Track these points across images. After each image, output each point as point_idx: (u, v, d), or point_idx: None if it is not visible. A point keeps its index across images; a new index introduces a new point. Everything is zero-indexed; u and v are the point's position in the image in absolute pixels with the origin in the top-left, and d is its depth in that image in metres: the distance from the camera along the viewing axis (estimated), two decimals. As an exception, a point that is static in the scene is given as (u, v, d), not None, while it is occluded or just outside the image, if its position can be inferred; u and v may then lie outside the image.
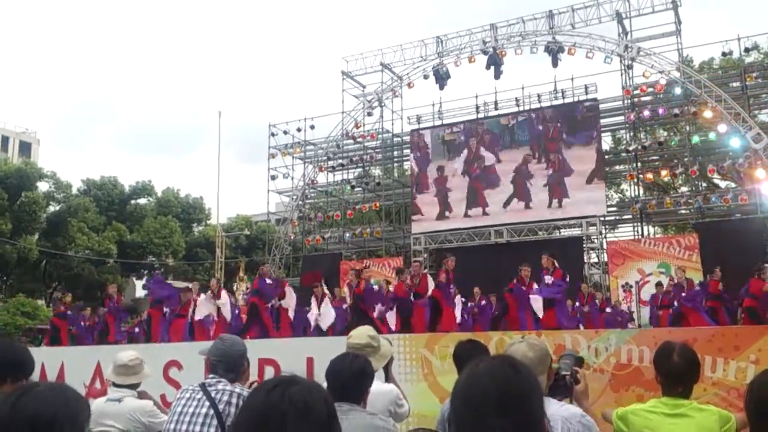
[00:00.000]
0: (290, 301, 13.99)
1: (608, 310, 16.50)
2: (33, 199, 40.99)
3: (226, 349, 3.42)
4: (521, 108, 25.17)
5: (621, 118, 25.13)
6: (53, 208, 44.46)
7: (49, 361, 9.30)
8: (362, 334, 4.06)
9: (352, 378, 3.12)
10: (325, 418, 1.48)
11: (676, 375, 3.21)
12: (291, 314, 13.73)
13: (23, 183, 41.01)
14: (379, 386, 3.74)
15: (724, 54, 23.69)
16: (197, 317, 13.15)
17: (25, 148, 66.21)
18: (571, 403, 3.00)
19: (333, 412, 1.53)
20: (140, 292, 50.76)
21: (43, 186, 44.11)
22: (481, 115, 25.87)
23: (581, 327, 12.65)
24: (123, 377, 4.78)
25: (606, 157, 25.15)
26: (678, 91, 22.86)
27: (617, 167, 27.20)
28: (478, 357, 3.94)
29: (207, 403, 3.18)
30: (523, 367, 1.66)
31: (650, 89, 23.45)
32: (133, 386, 4.80)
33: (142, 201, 50.53)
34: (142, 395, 4.84)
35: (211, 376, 3.36)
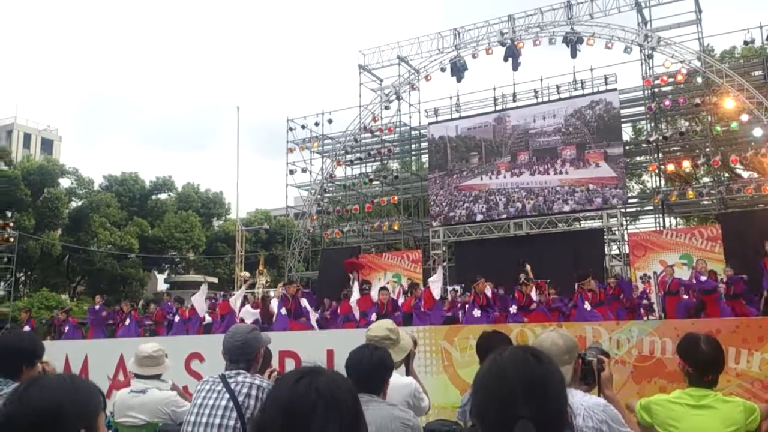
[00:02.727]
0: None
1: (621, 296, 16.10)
2: (55, 195, 41.55)
3: (227, 339, 3.45)
4: (540, 100, 24.97)
5: (641, 109, 24.85)
6: (75, 203, 45.05)
7: (72, 353, 9.43)
8: (380, 326, 4.07)
9: (371, 369, 3.13)
10: (352, 408, 1.49)
11: (706, 364, 3.22)
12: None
13: (45, 179, 41.58)
14: (397, 378, 3.74)
15: (745, 42, 23.28)
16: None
17: (47, 145, 67.02)
18: (598, 391, 3.01)
19: (359, 403, 1.53)
20: (162, 286, 51.38)
21: (65, 182, 44.76)
22: (499, 108, 25.71)
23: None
24: (147, 368, 4.84)
25: (627, 147, 24.90)
26: (699, 80, 22.56)
27: (638, 158, 26.90)
28: (500, 347, 3.95)
29: (227, 396, 3.19)
30: (545, 357, 1.64)
31: (671, 79, 23.15)
32: (156, 377, 4.86)
33: (163, 196, 51.02)
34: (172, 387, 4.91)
35: (231, 367, 3.38)
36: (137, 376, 4.88)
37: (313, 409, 1.42)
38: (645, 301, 16.76)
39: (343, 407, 1.45)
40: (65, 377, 1.66)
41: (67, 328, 16.31)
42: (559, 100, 24.49)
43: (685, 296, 14.65)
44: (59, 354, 9.52)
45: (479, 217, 24.78)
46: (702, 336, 3.34)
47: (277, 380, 1.60)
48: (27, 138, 65.84)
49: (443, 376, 7.25)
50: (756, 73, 23.04)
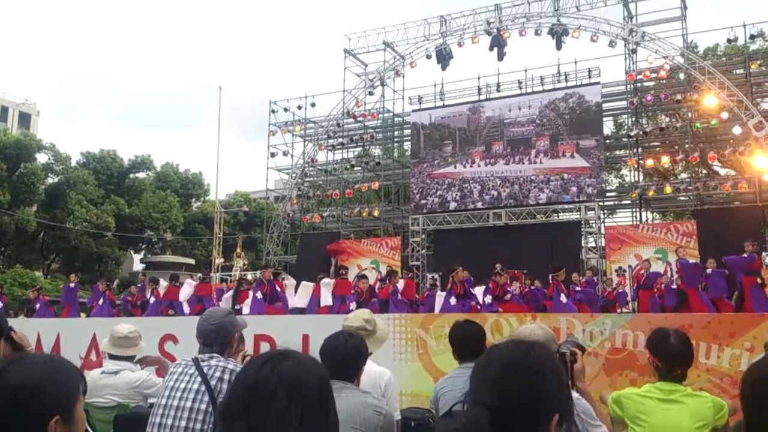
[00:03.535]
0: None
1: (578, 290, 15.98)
2: (32, 170, 40.94)
3: (201, 322, 3.42)
4: (524, 90, 25.01)
5: (623, 103, 25.00)
6: (52, 180, 44.43)
7: (44, 331, 9.32)
8: (357, 316, 4.09)
9: (346, 356, 3.12)
10: (317, 394, 1.45)
11: (675, 358, 3.25)
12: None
13: (22, 154, 40.92)
14: (371, 366, 3.74)
15: (729, 40, 23.48)
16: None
17: (25, 119, 65.98)
18: (571, 384, 3.04)
19: (327, 389, 1.50)
20: (138, 266, 50.94)
21: (41, 158, 44.09)
22: (482, 97, 25.71)
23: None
24: (121, 349, 4.79)
25: (607, 141, 25.08)
26: (681, 77, 22.73)
27: (618, 152, 27.10)
28: (473, 337, 3.96)
29: (199, 379, 3.16)
30: (540, 352, 1.57)
31: (653, 74, 23.28)
32: (130, 358, 4.82)
33: (141, 175, 50.52)
34: (157, 365, 4.88)
35: (204, 351, 3.36)
36: (111, 356, 4.83)
37: (274, 393, 1.40)
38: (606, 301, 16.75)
39: (306, 392, 1.43)
40: (47, 358, 1.65)
41: (38, 305, 16.12)
42: (543, 91, 24.54)
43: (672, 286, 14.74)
44: (31, 332, 9.42)
45: (452, 205, 24.87)
46: (671, 330, 3.37)
47: (245, 364, 1.59)
48: (4, 111, 64.73)
49: (418, 363, 7.28)
50: (738, 71, 23.26)
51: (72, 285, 17.38)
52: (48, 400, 1.53)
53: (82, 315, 16.25)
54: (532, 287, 14.81)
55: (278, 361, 1.46)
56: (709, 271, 13.68)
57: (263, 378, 1.43)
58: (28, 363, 1.59)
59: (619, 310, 15.84)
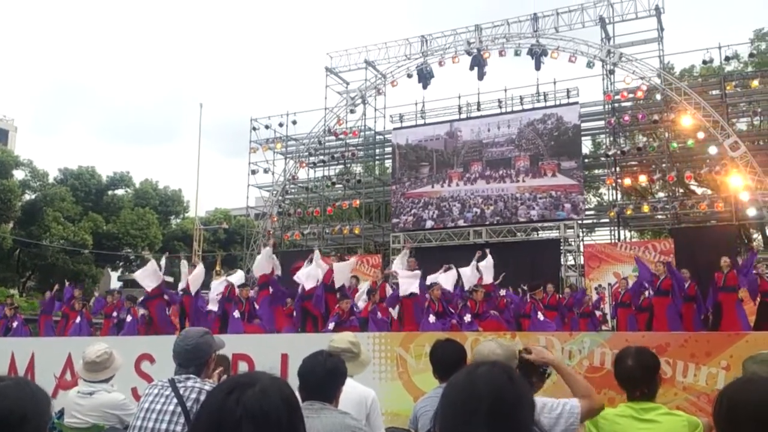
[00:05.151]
0: None
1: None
2: (8, 187, 40.38)
3: (177, 343, 3.38)
4: (503, 110, 25.28)
5: (601, 123, 25.33)
6: (29, 196, 43.86)
7: (19, 351, 9.17)
8: (343, 339, 4.07)
9: (325, 376, 3.10)
10: (284, 421, 1.43)
11: (631, 379, 3.25)
12: None
13: (-1, 171, 40.39)
14: (356, 386, 3.72)
15: (704, 62, 23.94)
16: None
17: (2, 135, 65.23)
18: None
19: (293, 413, 1.47)
20: (115, 284, 50.25)
21: (19, 174, 43.51)
22: (463, 116, 25.93)
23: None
24: (93, 374, 4.70)
25: (585, 160, 25.35)
26: (658, 97, 23.09)
27: (596, 171, 27.41)
28: (454, 356, 3.96)
29: (175, 401, 3.11)
30: (519, 379, 1.64)
31: (631, 95, 23.65)
32: (104, 381, 4.72)
33: (120, 192, 50.01)
34: None
35: (180, 372, 3.31)
36: (85, 380, 4.75)
37: (239, 425, 1.38)
38: (597, 312, 16.93)
39: (272, 422, 1.40)
40: (23, 383, 1.67)
41: (15, 323, 15.81)
42: (522, 111, 24.83)
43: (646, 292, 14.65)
44: (5, 351, 9.27)
45: (429, 223, 24.97)
46: (634, 350, 3.34)
47: (210, 392, 1.56)
48: (-19, 127, 64.03)
49: (398, 382, 7.25)
50: (713, 92, 23.68)
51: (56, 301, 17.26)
52: (33, 426, 1.60)
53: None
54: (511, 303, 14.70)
55: (243, 390, 1.43)
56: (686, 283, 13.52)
57: (227, 409, 1.40)
58: (11, 390, 1.62)
59: (598, 329, 15.91)
